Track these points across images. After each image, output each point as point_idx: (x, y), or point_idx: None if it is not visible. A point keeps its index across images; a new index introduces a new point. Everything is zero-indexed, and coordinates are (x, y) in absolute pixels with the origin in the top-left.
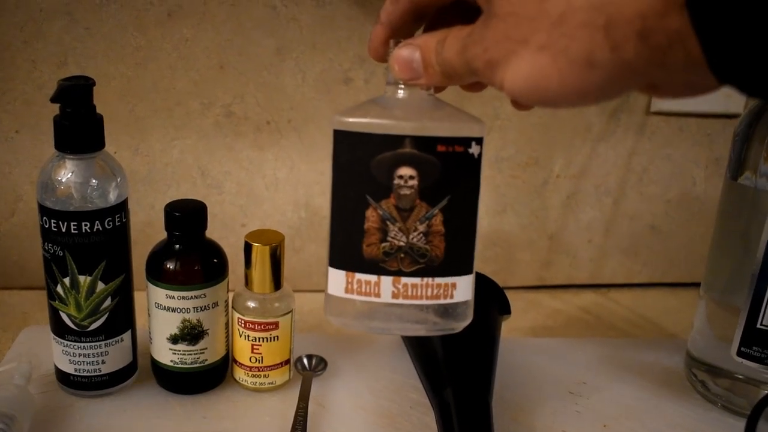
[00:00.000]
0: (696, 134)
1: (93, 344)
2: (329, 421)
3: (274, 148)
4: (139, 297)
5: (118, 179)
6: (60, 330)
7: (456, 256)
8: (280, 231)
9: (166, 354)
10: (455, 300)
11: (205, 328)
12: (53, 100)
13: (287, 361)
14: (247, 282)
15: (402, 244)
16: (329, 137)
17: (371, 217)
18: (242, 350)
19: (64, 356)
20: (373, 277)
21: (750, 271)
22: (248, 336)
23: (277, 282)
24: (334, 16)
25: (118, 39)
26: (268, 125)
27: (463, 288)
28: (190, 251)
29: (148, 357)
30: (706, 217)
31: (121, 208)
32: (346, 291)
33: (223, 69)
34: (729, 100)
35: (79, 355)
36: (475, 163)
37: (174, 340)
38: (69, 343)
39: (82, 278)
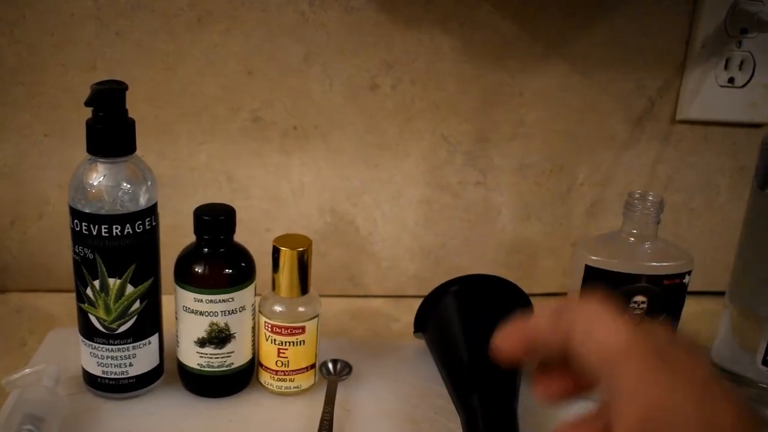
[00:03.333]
0: (721, 143)
1: (121, 347)
2: (354, 425)
3: (300, 154)
4: (164, 301)
5: (149, 183)
6: (88, 332)
7: None
8: (309, 237)
9: (193, 357)
10: None
11: (232, 332)
12: (87, 103)
13: (313, 366)
14: (275, 286)
15: None
16: (355, 143)
17: None
18: (268, 354)
19: (92, 358)
20: None
21: None
22: (275, 340)
23: (304, 286)
24: (362, 22)
25: (147, 44)
26: (294, 131)
27: None
28: (219, 255)
29: (174, 360)
30: (729, 227)
31: (152, 211)
32: None
33: (251, 74)
34: (755, 109)
35: (107, 357)
36: (685, 287)
37: (201, 343)
38: (97, 345)
39: (111, 281)
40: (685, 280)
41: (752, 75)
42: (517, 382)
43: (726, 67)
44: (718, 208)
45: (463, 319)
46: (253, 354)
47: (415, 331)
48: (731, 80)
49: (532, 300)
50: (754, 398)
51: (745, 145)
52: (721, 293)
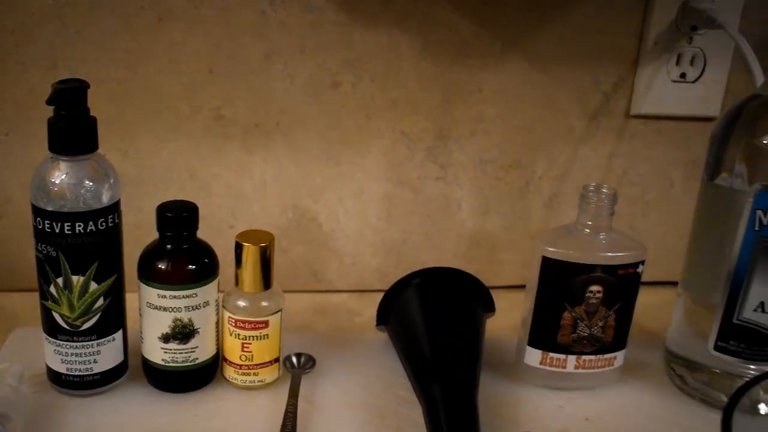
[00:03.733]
0: (674, 137)
1: (85, 344)
2: (318, 417)
3: (262, 151)
4: (128, 298)
5: (111, 181)
6: (52, 330)
7: (619, 339)
8: (271, 233)
9: (157, 353)
10: (615, 366)
11: (196, 327)
12: (48, 102)
13: (277, 360)
14: (238, 281)
15: (586, 334)
16: (317, 140)
17: (567, 317)
18: (232, 349)
19: (56, 356)
20: (562, 356)
21: (726, 268)
22: (239, 335)
23: (267, 281)
24: (322, 21)
25: (108, 43)
26: (256, 128)
27: (620, 357)
28: (182, 251)
29: (139, 356)
30: (683, 218)
31: (114, 209)
32: (541, 363)
33: (212, 73)
34: (706, 103)
35: (71, 354)
36: (639, 276)
37: (165, 339)
38: (61, 342)
39: (75, 278)
40: (639, 270)
41: (703, 70)
42: (477, 372)
43: (678, 62)
44: (672, 199)
45: (424, 311)
46: (218, 349)
47: (377, 324)
48: (683, 75)
49: (494, 293)
50: (706, 383)
51: (697, 138)
52: (677, 283)
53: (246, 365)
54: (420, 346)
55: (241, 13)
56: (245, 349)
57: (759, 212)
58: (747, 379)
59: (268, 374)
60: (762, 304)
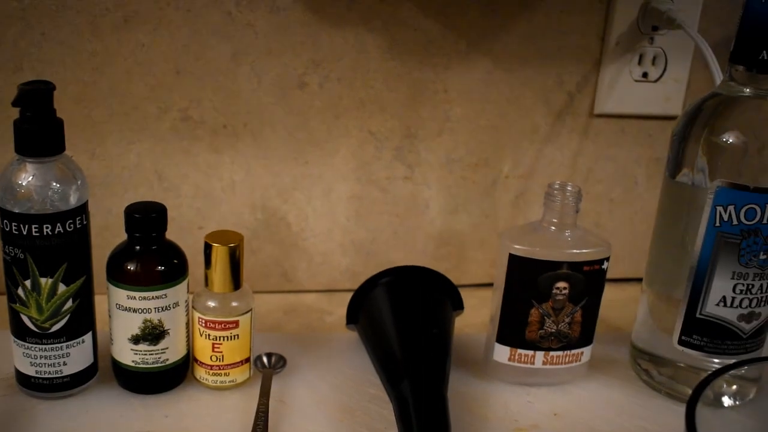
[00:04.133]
0: (637, 135)
1: (54, 346)
2: (290, 416)
3: (230, 152)
4: (97, 300)
5: (79, 182)
6: (21, 332)
7: (586, 335)
8: (240, 233)
9: (127, 354)
10: (583, 361)
11: (166, 328)
12: (14, 104)
13: (247, 360)
14: (207, 282)
15: (553, 330)
16: (285, 140)
17: (534, 314)
18: (203, 349)
19: (24, 359)
20: (530, 352)
21: (689, 264)
22: (209, 335)
23: (236, 281)
24: (289, 22)
25: (74, 44)
26: (224, 129)
27: (587, 353)
28: (151, 252)
29: (109, 358)
30: (648, 215)
31: (82, 210)
32: (510, 360)
33: (179, 74)
34: (668, 102)
35: (41, 357)
36: (605, 273)
37: (135, 340)
38: (30, 345)
39: (43, 280)
40: (604, 266)
41: (665, 70)
42: (447, 368)
43: (640, 62)
44: (637, 197)
45: (393, 310)
46: (188, 350)
47: (347, 323)
48: (645, 75)
49: (462, 291)
50: (671, 377)
51: (660, 136)
52: (641, 279)
53: (217, 365)
54: (390, 344)
55: (207, 14)
56: (216, 350)
57: (719, 208)
58: (711, 372)
59: (239, 374)
60: (724, 298)
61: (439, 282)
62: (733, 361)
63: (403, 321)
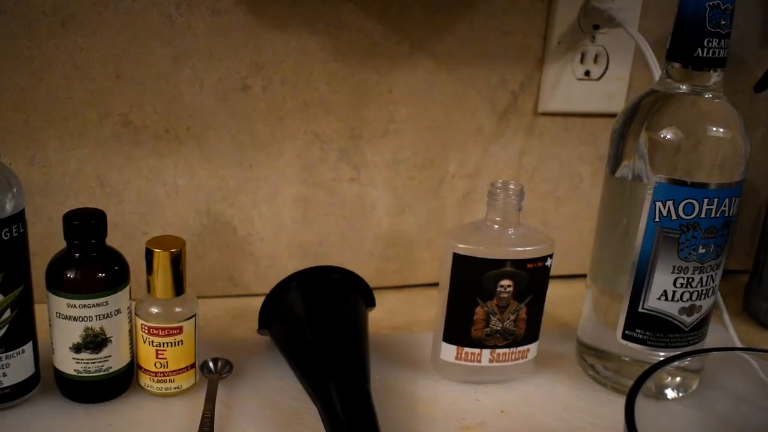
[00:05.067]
0: (581, 133)
1: None
2: (236, 421)
3: (173, 156)
4: (38, 310)
5: (14, 189)
6: None
7: (532, 332)
8: (182, 238)
9: (69, 363)
10: (529, 358)
11: (108, 336)
12: None
13: (193, 365)
14: (150, 288)
15: (498, 328)
16: (229, 144)
17: (479, 312)
18: (147, 356)
19: None
20: (477, 350)
21: (630, 259)
22: (152, 342)
23: (179, 287)
24: (230, 24)
25: (10, 49)
26: (166, 133)
27: (533, 350)
28: (91, 259)
29: (51, 368)
30: (593, 212)
31: (18, 218)
32: (456, 358)
33: (119, 78)
34: (611, 100)
35: None
36: (548, 270)
37: (77, 349)
38: None
39: None
40: (548, 263)
41: (606, 68)
42: (367, 364)
43: (582, 61)
44: (582, 194)
45: (306, 312)
46: (132, 357)
47: (258, 329)
48: (587, 73)
49: (411, 291)
50: (616, 371)
51: (604, 134)
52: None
53: (161, 372)
54: (308, 347)
55: (146, 17)
56: (160, 356)
57: (659, 204)
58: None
59: (184, 380)
60: (665, 292)
61: (350, 280)
62: (675, 354)
63: (318, 321)
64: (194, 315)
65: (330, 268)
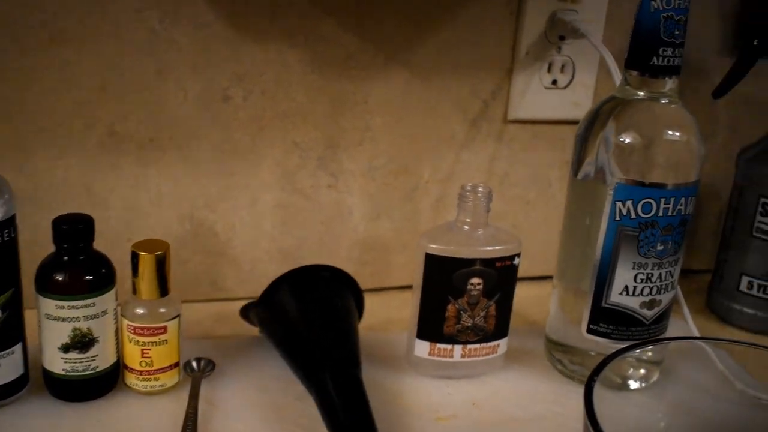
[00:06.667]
0: (549, 140)
1: None
2: (219, 418)
3: (157, 165)
4: (28, 315)
5: (6, 196)
6: None
7: (501, 327)
8: (167, 241)
9: (57, 363)
10: (499, 353)
11: (95, 336)
12: None
13: (176, 364)
14: (135, 290)
15: (469, 324)
16: (211, 152)
17: (451, 309)
18: (132, 355)
19: None
20: (449, 346)
21: (593, 257)
22: (138, 341)
23: (163, 288)
24: (212, 38)
25: None
26: (150, 143)
27: (503, 345)
28: (79, 262)
29: (39, 370)
30: (562, 215)
31: (10, 223)
32: (430, 354)
33: (105, 90)
34: (577, 107)
35: None
36: (516, 268)
37: (65, 348)
38: None
39: None
40: (515, 262)
41: (573, 77)
42: (357, 352)
43: (549, 70)
44: (551, 198)
45: (302, 307)
46: (118, 357)
47: (243, 315)
48: (554, 82)
49: (387, 293)
50: (582, 364)
51: (571, 140)
52: None
53: (146, 371)
54: (300, 339)
55: (132, 31)
56: (145, 355)
57: (619, 203)
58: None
59: (169, 378)
60: (626, 287)
61: (337, 276)
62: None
63: (309, 315)
64: (178, 315)
65: (320, 266)
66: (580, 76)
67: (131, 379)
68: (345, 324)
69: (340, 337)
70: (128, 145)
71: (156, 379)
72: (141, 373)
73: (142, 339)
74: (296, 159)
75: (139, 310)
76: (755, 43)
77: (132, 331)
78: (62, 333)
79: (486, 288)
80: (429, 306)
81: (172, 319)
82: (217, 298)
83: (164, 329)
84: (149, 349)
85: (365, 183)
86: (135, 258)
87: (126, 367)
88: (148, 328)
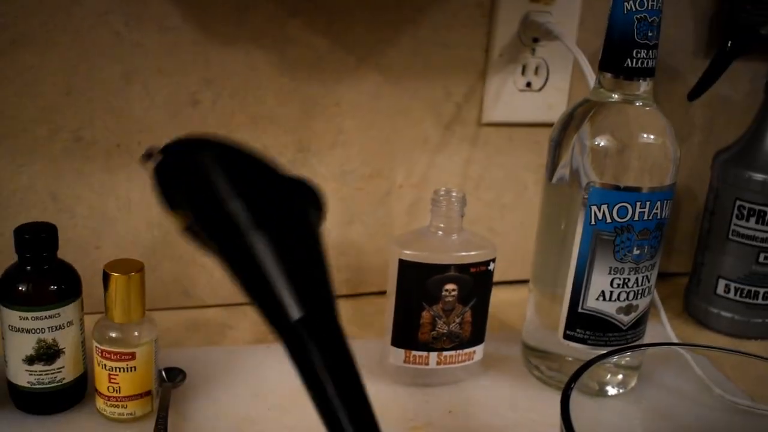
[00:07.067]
0: (525, 142)
1: None
2: (190, 430)
3: (125, 171)
4: None
5: None
6: None
7: (477, 334)
8: (135, 251)
9: (22, 376)
10: (475, 360)
11: (61, 347)
12: None
13: (148, 393)
14: (107, 312)
15: (444, 331)
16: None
17: (426, 316)
18: (101, 379)
19: None
20: (424, 353)
21: (569, 261)
22: (105, 365)
23: (137, 311)
24: (179, 41)
25: None
26: (118, 148)
27: (479, 352)
28: (42, 272)
29: (4, 382)
30: (537, 218)
31: None
32: (405, 362)
33: (69, 95)
34: (552, 110)
35: None
36: (491, 273)
37: (30, 360)
38: None
39: None
40: (490, 267)
41: (547, 79)
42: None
43: (523, 73)
44: (527, 201)
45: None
46: (85, 368)
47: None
48: (529, 85)
49: (361, 299)
50: (559, 370)
51: (546, 143)
52: None
53: (114, 397)
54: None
55: (95, 35)
56: (112, 381)
57: (594, 207)
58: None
59: (138, 407)
60: (603, 292)
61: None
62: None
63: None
64: (152, 340)
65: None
66: (554, 78)
67: (100, 404)
68: (318, 258)
69: (313, 272)
70: (95, 151)
71: (124, 407)
72: (108, 398)
73: (109, 363)
74: None
75: (112, 334)
76: (729, 44)
77: (100, 354)
78: (26, 345)
79: (461, 294)
80: (403, 313)
81: (144, 344)
82: (187, 306)
83: (132, 355)
84: (116, 375)
85: (338, 187)
86: (106, 278)
87: (96, 390)
88: (115, 353)
